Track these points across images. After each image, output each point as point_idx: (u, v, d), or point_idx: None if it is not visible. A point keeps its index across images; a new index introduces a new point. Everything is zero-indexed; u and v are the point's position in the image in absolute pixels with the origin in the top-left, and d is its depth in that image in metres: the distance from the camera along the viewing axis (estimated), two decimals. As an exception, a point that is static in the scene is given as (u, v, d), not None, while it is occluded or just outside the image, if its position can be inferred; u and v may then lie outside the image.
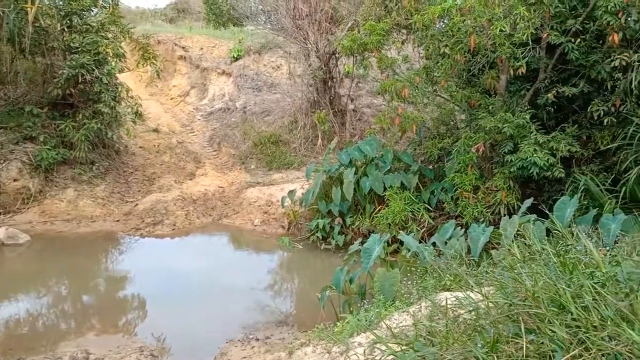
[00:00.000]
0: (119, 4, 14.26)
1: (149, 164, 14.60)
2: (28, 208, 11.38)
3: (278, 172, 14.02)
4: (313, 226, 10.32)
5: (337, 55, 14.43)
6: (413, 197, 9.50)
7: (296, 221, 11.08)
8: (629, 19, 7.32)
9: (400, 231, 8.55)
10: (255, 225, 11.62)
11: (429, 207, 9.51)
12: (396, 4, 10.54)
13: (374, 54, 10.24)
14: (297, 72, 16.33)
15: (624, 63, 7.42)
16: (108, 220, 11.50)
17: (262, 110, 16.87)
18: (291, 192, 11.37)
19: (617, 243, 6.17)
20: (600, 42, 7.97)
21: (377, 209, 9.85)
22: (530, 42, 7.94)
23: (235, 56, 19.67)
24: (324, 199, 10.61)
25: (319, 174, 10.98)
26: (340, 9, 14.58)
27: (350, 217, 10.14)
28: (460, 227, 8.18)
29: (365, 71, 11.65)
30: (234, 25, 23.87)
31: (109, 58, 12.82)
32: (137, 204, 12.22)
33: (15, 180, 11.56)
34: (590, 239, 6.19)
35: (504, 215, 8.01)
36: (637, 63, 7.26)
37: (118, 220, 11.51)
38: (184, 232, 11.25)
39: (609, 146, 7.90)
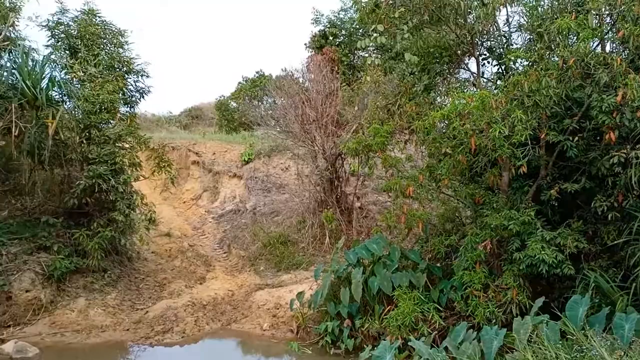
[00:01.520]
0: (135, 114, 14.97)
1: (160, 270, 14.66)
2: (38, 319, 11.27)
3: (287, 272, 13.98)
4: (322, 329, 10.09)
5: (343, 155, 14.83)
6: (422, 297, 9.33)
7: (305, 324, 10.86)
8: (624, 117, 7.52)
9: (411, 335, 8.34)
10: (264, 330, 11.39)
11: (439, 307, 9.30)
12: (399, 108, 11.01)
13: (378, 154, 10.54)
14: (304, 172, 16.73)
15: (622, 159, 7.53)
16: (118, 329, 11.34)
17: (271, 211, 17.13)
18: (300, 294, 11.25)
19: (632, 344, 6.00)
20: (598, 139, 8.13)
21: (386, 309, 9.66)
22: (530, 142, 8.13)
23: (246, 159, 20.29)
24: (333, 300, 10.46)
25: (327, 274, 10.91)
26: (346, 114, 15.18)
27: (360, 318, 9.93)
28: (472, 329, 7.97)
29: (370, 170, 11.92)
30: (244, 130, 24.81)
31: (125, 167, 13.21)
32: (147, 312, 12.12)
33: (27, 291, 11.54)
34: (604, 340, 6.11)
35: (516, 315, 7.81)
36: (634, 160, 7.37)
37: (128, 329, 11.34)
38: (192, 340, 11.04)
39: (615, 241, 7.83)
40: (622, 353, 5.71)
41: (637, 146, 7.44)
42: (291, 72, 17.06)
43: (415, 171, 10.37)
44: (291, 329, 11.13)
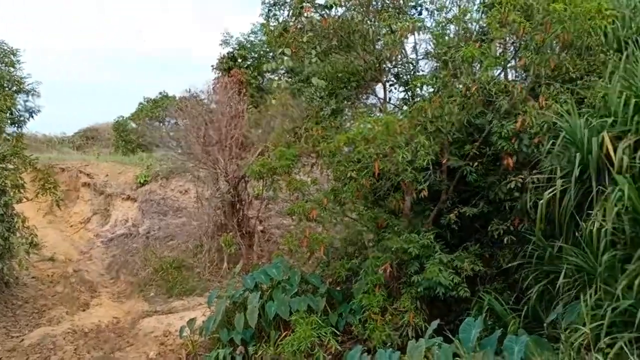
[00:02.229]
0: (23, 134, 14.12)
1: (40, 295, 13.58)
2: None
3: (179, 299, 13.15)
4: (213, 357, 9.39)
5: (246, 178, 14.39)
6: (320, 321, 8.99)
7: (195, 352, 10.11)
8: (522, 143, 7.79)
9: None
10: (151, 359, 10.47)
11: (337, 331, 9.01)
12: (305, 131, 10.83)
13: (283, 177, 10.25)
14: (205, 195, 16.07)
15: (519, 184, 7.75)
16: (-11, 359, 10.10)
17: (166, 235, 16.24)
18: (191, 321, 10.51)
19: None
20: (497, 164, 8.37)
21: (283, 334, 9.19)
22: (432, 166, 8.21)
23: (142, 181, 19.27)
24: (227, 326, 9.83)
25: (222, 300, 10.29)
26: (252, 136, 14.84)
27: (254, 345, 9.36)
28: (367, 353, 7.75)
29: (274, 194, 11.57)
30: (142, 152, 23.69)
31: (8, 189, 12.32)
32: (23, 339, 11.11)
33: None
34: None
35: (412, 338, 7.69)
36: (531, 185, 7.62)
37: (0, 358, 10.14)
38: (70, 369, 9.92)
39: (510, 264, 7.99)
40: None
41: (533, 172, 7.70)
42: (196, 93, 16.56)
43: (320, 194, 10.16)
44: (180, 357, 10.34)
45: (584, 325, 5.96)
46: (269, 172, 10.27)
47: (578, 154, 7.07)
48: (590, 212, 6.70)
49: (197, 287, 13.38)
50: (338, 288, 10.17)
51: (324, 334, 8.80)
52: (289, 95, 12.89)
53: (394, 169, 8.25)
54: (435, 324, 7.66)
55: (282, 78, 12.67)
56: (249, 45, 20.57)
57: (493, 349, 6.92)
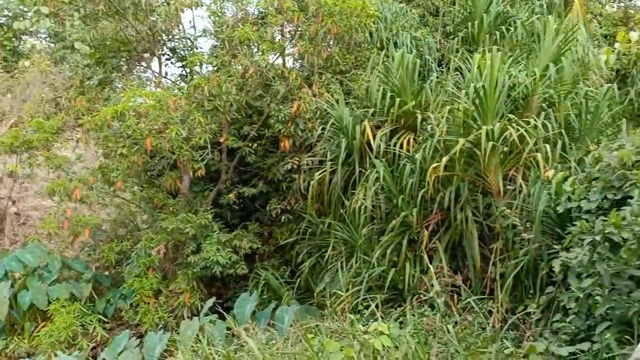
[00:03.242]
0: None
1: None
2: None
3: None
4: (-54, 358, 7.97)
5: (-3, 154, 12.44)
6: (85, 309, 8.29)
7: None
8: (298, 127, 8.25)
9: (59, 352, 7.29)
10: None
11: (104, 318, 8.41)
12: (68, 102, 9.81)
13: (41, 152, 9.14)
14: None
15: (295, 166, 8.23)
16: None
17: None
18: None
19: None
20: (275, 146, 8.73)
21: (40, 326, 8.24)
22: (210, 146, 8.18)
23: None
24: (-31, 322, 8.41)
25: (-39, 292, 8.74)
26: (1, 105, 12.89)
27: (4, 339, 8.21)
28: (137, 337, 7.44)
29: (31, 171, 10.27)
30: None
31: None
32: None
33: None
34: (265, 332, 6.44)
35: (187, 318, 7.62)
36: (305, 166, 8.14)
37: None
38: None
39: (286, 241, 8.46)
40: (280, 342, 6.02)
41: (308, 154, 8.24)
42: None
43: (86, 173, 9.31)
44: None
45: (347, 291, 6.65)
46: (24, 145, 9.07)
47: (344, 140, 7.83)
48: (354, 191, 7.48)
49: None
50: (107, 273, 9.48)
51: (89, 321, 8.14)
52: (50, 62, 11.55)
53: (169, 147, 7.99)
54: (210, 302, 7.68)
55: (43, 42, 11.24)
56: (2, 2, 17.75)
57: (267, 320, 7.28)
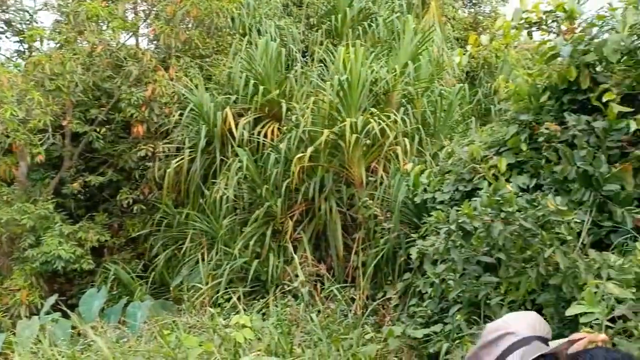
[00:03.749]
0: None
1: None
2: None
3: None
4: None
5: None
6: None
7: None
8: (152, 112, 7.76)
9: None
10: None
11: None
12: None
13: None
14: None
15: (149, 153, 7.75)
16: None
17: None
18: None
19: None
20: (127, 132, 8.15)
21: None
22: (52, 129, 7.43)
23: None
24: None
25: None
26: None
27: None
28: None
29: None
30: None
31: None
32: None
33: None
34: (116, 330, 6.02)
35: (25, 317, 6.86)
36: (161, 154, 7.70)
37: None
38: None
39: (139, 232, 7.95)
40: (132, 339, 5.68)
41: (164, 141, 7.80)
42: None
43: None
44: None
45: (207, 284, 6.44)
46: None
47: (204, 127, 7.55)
48: (215, 181, 7.25)
49: None
50: None
51: None
52: None
53: (3, 129, 7.13)
54: (52, 299, 7.01)
55: None
56: None
57: (117, 317, 6.82)
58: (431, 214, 4.70)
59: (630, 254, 3.47)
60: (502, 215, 3.84)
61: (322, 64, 7.61)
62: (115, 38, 8.05)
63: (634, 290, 3.24)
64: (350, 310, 5.33)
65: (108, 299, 7.14)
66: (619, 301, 3.21)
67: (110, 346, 5.06)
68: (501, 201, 3.88)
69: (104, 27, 8.19)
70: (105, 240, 7.71)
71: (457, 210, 4.27)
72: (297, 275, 5.69)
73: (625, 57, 4.04)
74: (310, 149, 6.07)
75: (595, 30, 4.32)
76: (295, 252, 6.05)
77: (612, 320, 3.12)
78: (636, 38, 4.02)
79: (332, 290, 5.61)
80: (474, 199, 4.35)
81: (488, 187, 4.24)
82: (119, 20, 7.84)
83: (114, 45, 8.00)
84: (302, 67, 7.81)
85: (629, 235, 3.59)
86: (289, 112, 7.05)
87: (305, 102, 6.74)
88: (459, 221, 4.19)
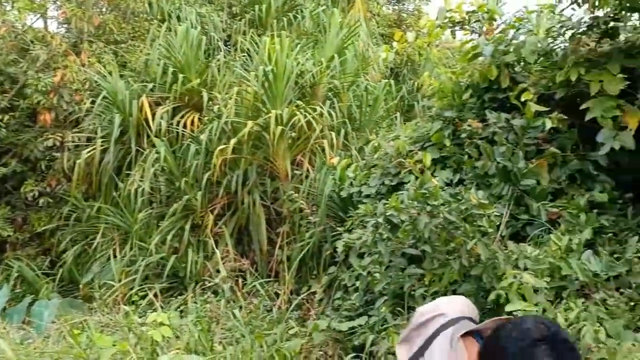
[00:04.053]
0: None
1: None
2: None
3: None
4: None
5: None
6: None
7: None
8: (62, 99, 7.27)
9: None
10: None
11: None
12: None
13: None
14: None
15: (57, 143, 7.26)
16: None
17: None
18: None
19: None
20: (33, 119, 7.60)
21: None
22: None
23: None
24: None
25: None
26: None
27: None
28: None
29: None
30: None
31: None
32: None
33: None
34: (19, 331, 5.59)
35: None
36: (70, 143, 7.23)
37: None
38: None
39: (45, 227, 7.41)
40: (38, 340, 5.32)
41: (73, 130, 7.33)
42: None
43: None
44: None
45: (120, 281, 6.12)
46: None
47: (118, 115, 7.17)
48: (130, 172, 6.90)
49: None
50: None
51: None
52: None
53: None
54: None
55: None
56: None
57: (21, 316, 6.35)
58: (359, 207, 4.72)
59: (545, 245, 3.68)
60: (428, 208, 3.93)
61: (246, 54, 7.44)
62: (21, 19, 7.50)
63: (548, 279, 3.43)
64: (274, 305, 5.25)
65: (11, 298, 6.63)
66: (534, 290, 3.39)
67: (14, 348, 4.69)
68: (427, 195, 3.96)
69: (8, 8, 7.64)
70: (8, 235, 7.13)
71: (385, 204, 4.32)
72: (218, 271, 5.54)
73: (541, 59, 4.27)
74: (233, 141, 5.91)
75: (512, 32, 4.52)
76: (216, 247, 5.88)
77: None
78: (552, 40, 4.26)
79: (255, 286, 5.50)
80: (400, 192, 4.43)
81: (414, 181, 4.32)
82: (25, 1, 7.30)
83: (19, 27, 7.45)
84: (224, 57, 7.60)
85: (543, 228, 3.79)
86: (211, 102, 6.83)
87: (228, 92, 6.56)
88: (387, 214, 4.24)
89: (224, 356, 4.55)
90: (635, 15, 3.83)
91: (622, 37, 3.88)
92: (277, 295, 5.38)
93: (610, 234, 3.56)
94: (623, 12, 3.76)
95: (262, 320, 5.04)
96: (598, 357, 3.01)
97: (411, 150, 4.68)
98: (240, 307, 5.22)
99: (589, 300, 3.32)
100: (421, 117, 5.23)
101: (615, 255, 3.39)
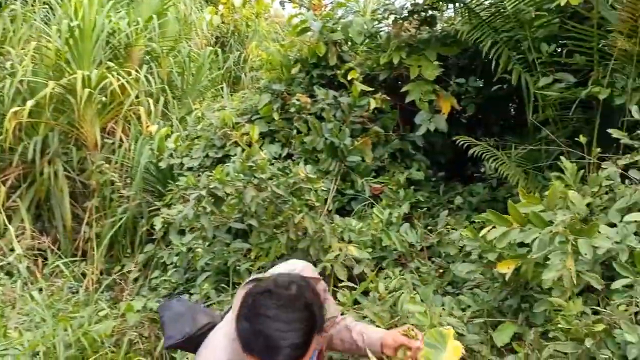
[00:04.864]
0: None
1: None
2: None
3: None
4: None
5: None
6: None
7: None
8: None
9: None
10: None
11: None
12: None
13: None
14: None
15: None
16: None
17: None
18: None
19: None
20: None
21: None
22: None
23: None
24: None
25: None
26: None
27: None
28: None
29: None
30: None
31: None
32: None
33: None
34: None
35: None
36: None
37: None
38: None
39: None
40: None
41: None
42: None
43: None
44: None
45: None
46: None
47: None
48: None
49: None
50: None
51: None
52: None
53: None
54: None
55: None
56: None
57: None
58: (179, 179, 4.45)
59: (368, 219, 3.87)
60: (255, 181, 3.85)
61: (47, 6, 6.49)
62: None
63: (370, 250, 3.62)
64: (81, 287, 4.72)
65: None
66: (357, 261, 3.55)
67: None
68: (254, 168, 3.88)
69: None
70: None
71: (209, 176, 4.13)
72: (12, 250, 4.80)
73: (367, 40, 4.43)
74: (30, 103, 5.12)
75: (341, 10, 4.63)
76: (9, 223, 5.08)
77: (353, 281, 3.42)
78: (377, 23, 4.44)
79: (58, 266, 4.88)
80: (226, 165, 4.28)
81: (241, 154, 4.20)
82: None
83: None
84: (21, 7, 6.53)
85: (367, 202, 3.98)
86: (2, 58, 5.84)
87: (24, 47, 5.67)
88: (210, 187, 4.05)
89: (21, 342, 3.99)
90: (452, 6, 4.17)
91: (439, 27, 4.21)
92: (85, 275, 4.85)
93: (425, 209, 3.87)
94: (440, 2, 4.06)
95: (67, 302, 4.51)
96: (413, 321, 3.25)
97: (238, 123, 4.54)
98: (41, 289, 4.60)
99: (405, 268, 3.57)
100: (249, 89, 5.10)
101: (429, 228, 3.68)
